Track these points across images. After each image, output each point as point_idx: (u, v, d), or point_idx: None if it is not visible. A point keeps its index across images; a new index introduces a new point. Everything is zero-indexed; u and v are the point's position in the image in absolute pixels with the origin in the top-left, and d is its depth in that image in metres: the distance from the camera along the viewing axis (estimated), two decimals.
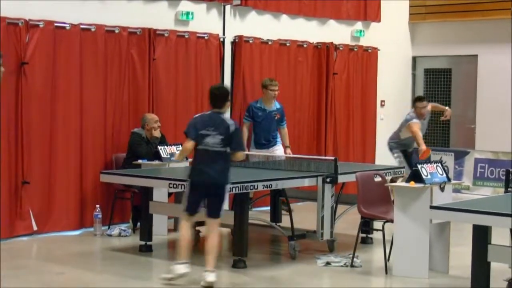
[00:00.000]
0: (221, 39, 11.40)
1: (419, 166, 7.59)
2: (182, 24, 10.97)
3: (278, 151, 11.18)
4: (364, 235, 9.14)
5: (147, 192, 8.65)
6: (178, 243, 7.32)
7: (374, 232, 9.01)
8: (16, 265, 8.00)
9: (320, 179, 8.43)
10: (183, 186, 8.00)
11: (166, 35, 10.64)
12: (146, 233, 8.64)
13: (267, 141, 11.21)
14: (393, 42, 14.17)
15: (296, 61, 12.44)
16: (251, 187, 7.81)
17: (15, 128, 9.19)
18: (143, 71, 10.41)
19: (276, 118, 11.18)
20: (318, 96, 12.78)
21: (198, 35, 11.04)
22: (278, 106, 11.26)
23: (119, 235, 9.53)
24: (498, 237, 6.77)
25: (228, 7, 11.55)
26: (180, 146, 9.85)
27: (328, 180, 8.41)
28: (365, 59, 13.51)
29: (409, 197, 7.53)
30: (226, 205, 7.52)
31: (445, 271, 7.75)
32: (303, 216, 9.82)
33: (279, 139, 11.33)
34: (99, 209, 9.54)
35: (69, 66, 9.70)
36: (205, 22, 11.23)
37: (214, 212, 7.16)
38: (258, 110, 11.14)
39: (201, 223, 9.07)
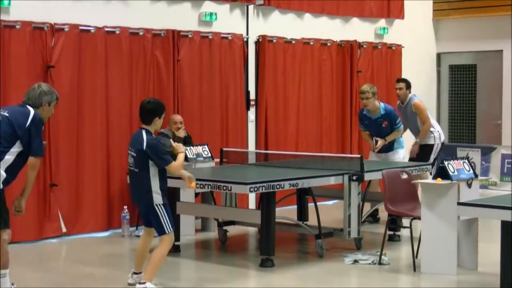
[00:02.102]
0: (245, 39, 11.42)
1: (446, 163, 7.57)
2: (206, 25, 11.00)
3: (392, 157, 10.35)
4: (391, 232, 9.12)
5: (174, 193, 8.68)
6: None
7: (402, 229, 9.00)
8: (46, 267, 8.07)
9: (346, 177, 8.43)
10: (209, 186, 8.04)
11: (190, 36, 10.69)
12: (174, 233, 8.65)
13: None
14: (417, 39, 14.11)
15: (320, 60, 12.43)
16: (277, 186, 7.81)
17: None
18: (167, 72, 10.46)
19: (383, 125, 10.27)
20: (343, 94, 12.76)
21: (221, 35, 11.07)
22: (383, 112, 10.26)
23: None
24: None
25: (251, 7, 11.58)
26: (206, 146, 9.90)
27: (354, 178, 8.40)
28: (389, 57, 13.47)
29: (436, 194, 7.51)
30: (165, 222, 6.89)
31: (474, 268, 7.71)
32: (330, 214, 9.82)
33: (397, 146, 10.39)
34: (126, 210, 9.60)
35: (95, 69, 9.77)
36: (229, 22, 11.27)
37: (155, 230, 6.97)
38: (364, 118, 10.49)
39: (229, 223, 9.13)
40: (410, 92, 10.68)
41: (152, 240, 7.17)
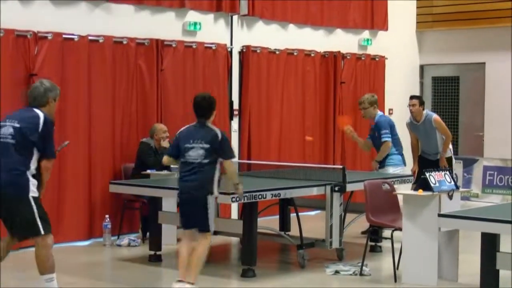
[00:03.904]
0: (229, 49, 11.44)
1: (427, 174, 7.60)
2: (190, 34, 11.01)
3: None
4: (372, 243, 9.14)
5: (156, 202, 8.68)
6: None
7: (383, 240, 9.01)
8: (27, 276, 8.02)
9: (328, 187, 8.44)
10: None
11: (173, 45, 10.69)
12: (155, 243, 8.67)
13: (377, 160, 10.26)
14: (400, 51, 14.18)
15: (304, 70, 12.47)
16: (260, 196, 7.82)
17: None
18: (151, 81, 10.46)
19: (376, 135, 10.22)
20: (326, 105, 12.80)
21: (205, 45, 11.08)
22: (375, 120, 10.26)
23: (129, 245, 9.56)
24: (508, 245, 6.77)
25: (235, 17, 11.60)
26: None
27: (336, 188, 8.42)
28: (372, 68, 13.53)
29: (417, 205, 7.53)
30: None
31: (454, 279, 7.74)
32: (312, 224, 9.82)
33: (389, 162, 10.16)
34: (108, 219, 9.57)
35: (78, 77, 9.75)
36: (213, 32, 11.28)
37: (199, 226, 6.99)
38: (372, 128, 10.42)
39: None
40: (424, 109, 10.64)
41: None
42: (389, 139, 10.11)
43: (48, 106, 6.62)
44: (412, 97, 10.80)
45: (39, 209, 6.46)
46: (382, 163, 10.21)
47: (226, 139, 7.05)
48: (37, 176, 6.52)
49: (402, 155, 10.31)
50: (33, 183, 6.43)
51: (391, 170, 10.10)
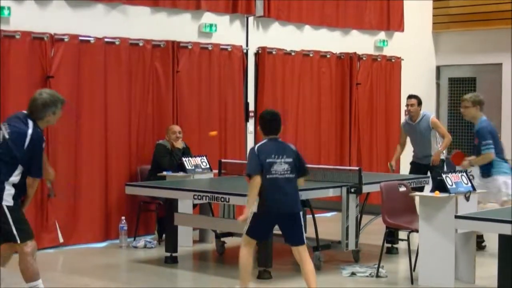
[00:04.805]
0: (244, 51, 11.44)
1: (444, 176, 7.56)
2: (206, 36, 11.02)
3: (491, 184, 9.04)
4: (389, 245, 9.11)
5: (172, 204, 8.69)
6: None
7: (399, 242, 8.98)
8: (43, 278, 8.03)
9: (344, 189, 8.42)
10: (207, 198, 8.02)
11: (189, 47, 10.70)
12: (171, 244, 8.67)
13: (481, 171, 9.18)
14: (416, 52, 14.13)
15: (320, 72, 12.45)
16: None
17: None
18: (167, 83, 10.47)
19: (475, 142, 9.25)
20: (342, 106, 12.77)
21: (221, 47, 11.09)
22: (477, 127, 9.16)
23: (145, 246, 9.57)
24: None
25: (251, 19, 11.60)
26: (204, 157, 9.90)
27: (352, 190, 8.40)
28: (388, 69, 13.49)
29: (434, 207, 7.50)
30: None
31: (471, 281, 7.69)
32: (328, 226, 9.80)
33: (496, 171, 9.03)
34: (124, 221, 9.59)
35: (94, 79, 9.79)
36: (228, 34, 11.29)
37: (296, 239, 6.87)
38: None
39: (227, 234, 9.12)
40: (421, 109, 10.54)
41: None
42: (491, 151, 9.01)
43: (46, 119, 6.42)
44: (410, 96, 10.67)
45: (14, 218, 6.32)
46: (488, 172, 9.11)
47: (300, 155, 6.88)
48: (20, 186, 6.39)
49: (506, 161, 9.28)
50: (9, 192, 6.29)
51: (501, 179, 9.06)
